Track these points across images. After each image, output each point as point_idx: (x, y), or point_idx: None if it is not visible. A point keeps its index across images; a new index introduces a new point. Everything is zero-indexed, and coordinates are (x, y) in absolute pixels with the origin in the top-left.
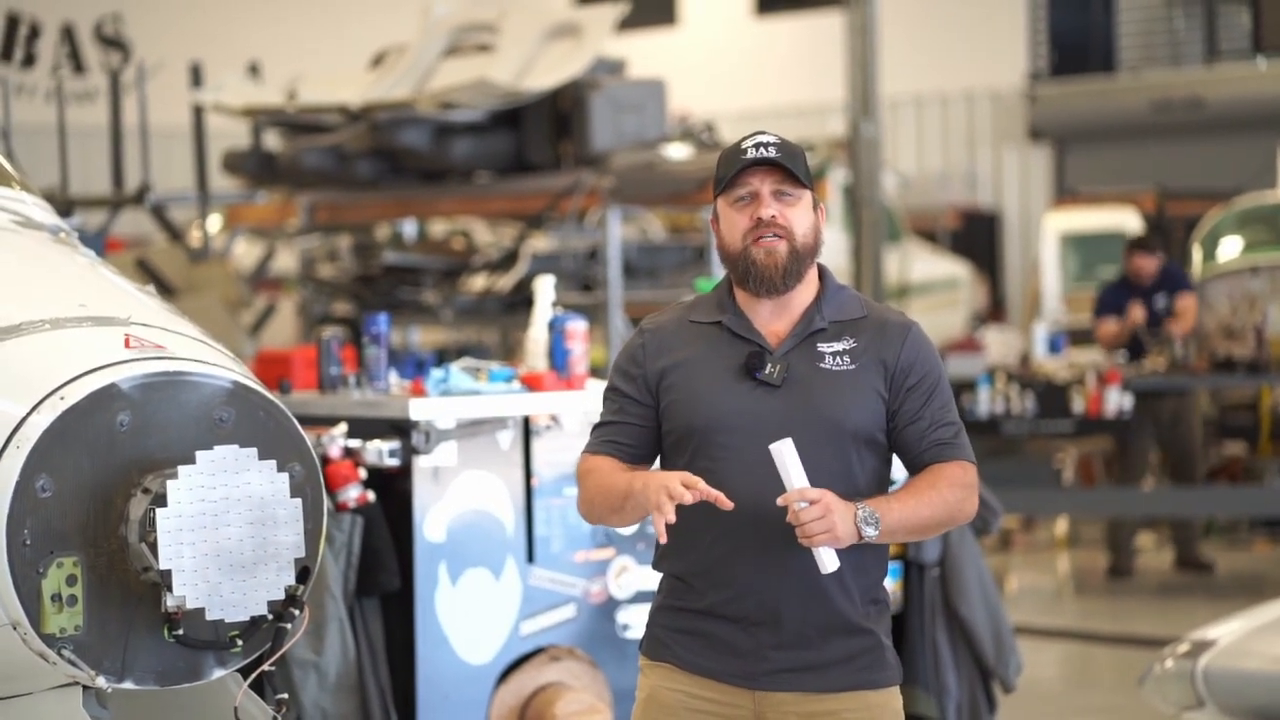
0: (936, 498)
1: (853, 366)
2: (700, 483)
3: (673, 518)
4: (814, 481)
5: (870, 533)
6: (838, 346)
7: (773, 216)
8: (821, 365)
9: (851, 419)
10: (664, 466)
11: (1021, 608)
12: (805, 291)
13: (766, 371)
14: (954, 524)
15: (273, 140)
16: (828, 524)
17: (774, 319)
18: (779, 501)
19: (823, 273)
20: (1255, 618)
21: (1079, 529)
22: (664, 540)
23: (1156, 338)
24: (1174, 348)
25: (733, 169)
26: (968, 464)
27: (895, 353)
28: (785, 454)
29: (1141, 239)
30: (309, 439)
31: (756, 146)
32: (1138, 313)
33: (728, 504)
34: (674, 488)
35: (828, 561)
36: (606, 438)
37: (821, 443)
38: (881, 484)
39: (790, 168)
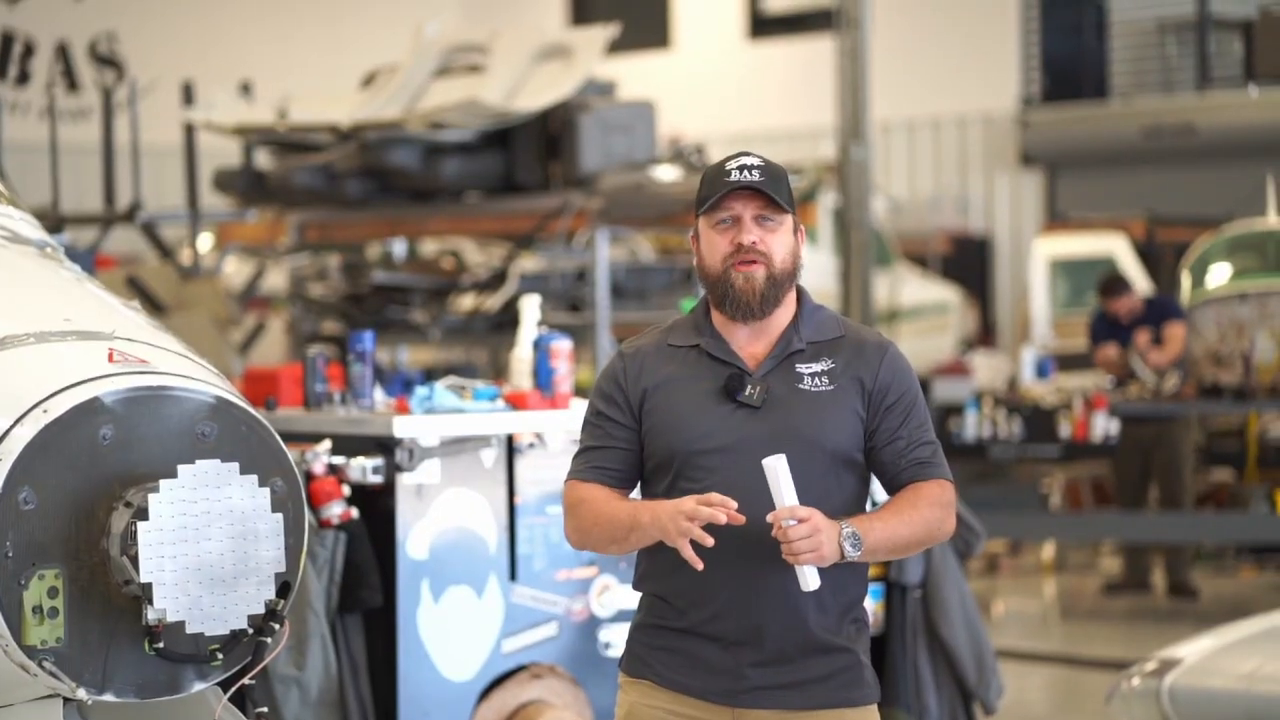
0: (917, 517)
1: (831, 387)
2: (714, 499)
3: (710, 540)
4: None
5: (852, 553)
6: (816, 367)
7: (753, 242)
8: (800, 386)
9: (831, 439)
10: (644, 490)
11: (1008, 632)
12: (783, 313)
13: (746, 393)
14: (933, 542)
15: (263, 159)
16: (815, 543)
17: (752, 341)
18: (769, 518)
19: (800, 293)
20: (1222, 636)
21: (1065, 554)
22: (700, 567)
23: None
24: (1149, 376)
25: (716, 191)
26: (946, 482)
27: (873, 373)
28: (778, 470)
29: (1108, 283)
30: (292, 455)
31: (741, 169)
32: (1144, 339)
33: (739, 519)
34: (694, 510)
35: (810, 579)
36: (593, 463)
37: (801, 463)
38: (860, 503)
39: (773, 194)
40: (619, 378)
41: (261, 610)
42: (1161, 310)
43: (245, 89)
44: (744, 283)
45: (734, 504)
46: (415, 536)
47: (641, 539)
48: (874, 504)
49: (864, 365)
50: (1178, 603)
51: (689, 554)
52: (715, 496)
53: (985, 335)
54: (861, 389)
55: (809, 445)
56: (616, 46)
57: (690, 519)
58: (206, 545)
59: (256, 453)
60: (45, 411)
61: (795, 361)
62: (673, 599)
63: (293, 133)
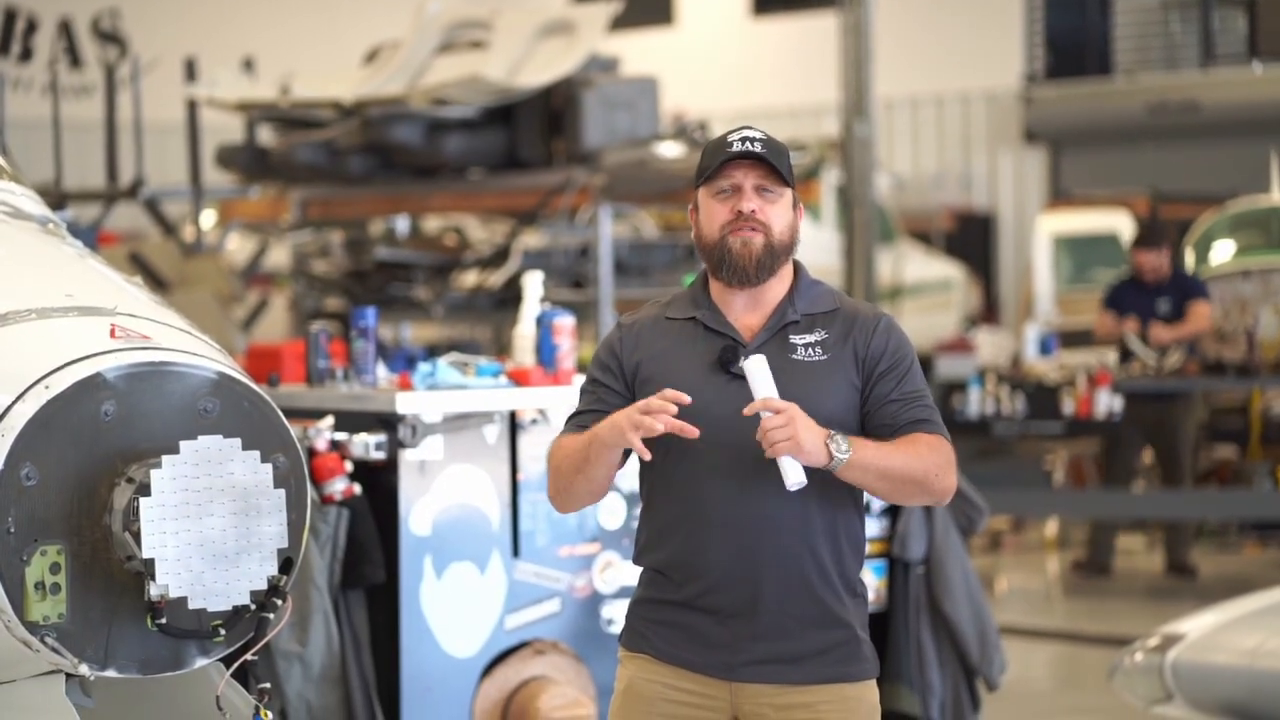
0: (912, 452)
1: (825, 357)
2: (668, 407)
3: (659, 429)
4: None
5: (839, 455)
6: (810, 338)
7: (753, 211)
8: (794, 357)
9: (824, 408)
10: (644, 462)
11: (1011, 608)
12: (779, 286)
13: (740, 364)
14: (927, 490)
15: (266, 135)
16: (790, 432)
17: (747, 313)
18: (745, 411)
19: (797, 267)
20: (1225, 612)
21: (1069, 530)
22: (647, 457)
23: (1147, 347)
24: (1147, 354)
25: (717, 160)
26: (943, 439)
27: (866, 341)
28: (756, 369)
29: (1142, 234)
30: (295, 431)
31: (743, 140)
32: (1132, 324)
33: (693, 431)
34: (636, 417)
35: (791, 474)
36: (581, 424)
37: None
38: None
39: (775, 164)
40: (615, 348)
41: (264, 586)
42: (1187, 284)
43: (248, 65)
44: (741, 247)
45: (687, 399)
46: (418, 513)
47: (600, 451)
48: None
49: (858, 335)
50: (1179, 580)
51: (638, 446)
52: (668, 392)
53: (988, 312)
54: (855, 358)
55: None
56: (619, 23)
57: (644, 412)
58: (209, 521)
59: (259, 429)
60: (47, 387)
61: (790, 333)
62: (670, 572)
63: (295, 109)
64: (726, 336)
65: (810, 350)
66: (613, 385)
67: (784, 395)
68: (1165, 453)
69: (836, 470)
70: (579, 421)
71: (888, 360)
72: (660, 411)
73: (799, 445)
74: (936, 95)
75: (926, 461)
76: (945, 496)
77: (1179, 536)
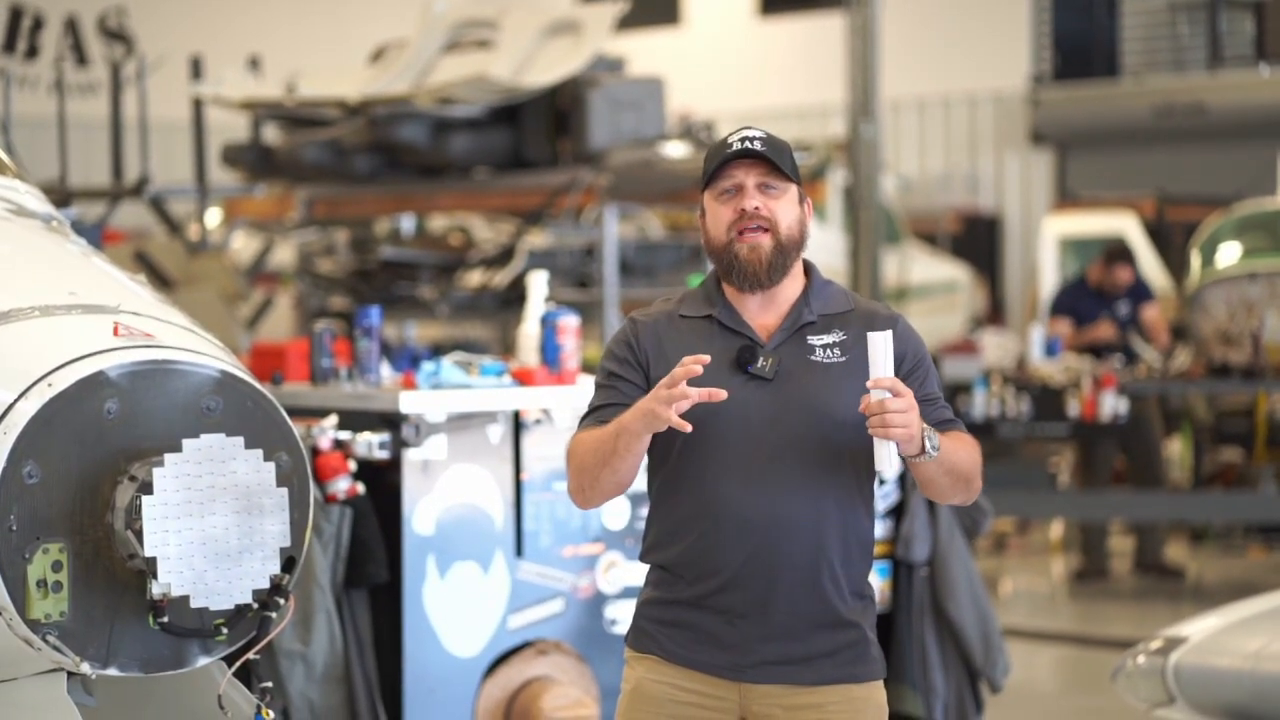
0: (965, 451)
1: (844, 359)
2: (693, 370)
3: (692, 396)
4: (805, 473)
5: (931, 450)
6: (827, 339)
7: (756, 208)
8: (812, 358)
9: (843, 411)
10: (654, 459)
11: (1015, 610)
12: (792, 285)
13: (759, 365)
14: (970, 490)
15: (272, 134)
16: (908, 419)
17: (763, 312)
18: (868, 384)
19: (808, 267)
20: (1227, 615)
21: (1074, 532)
22: (688, 429)
23: (1128, 348)
24: (1153, 353)
25: (718, 162)
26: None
27: None
28: (881, 344)
29: (1122, 250)
30: (298, 430)
31: (742, 140)
32: (1106, 329)
33: (721, 394)
34: (665, 393)
35: (892, 459)
36: (601, 419)
37: (813, 434)
38: (869, 476)
39: (775, 160)
40: (629, 339)
41: (266, 585)
42: (1141, 290)
43: (254, 64)
44: (749, 253)
45: (707, 358)
46: (421, 512)
47: (629, 441)
48: (882, 481)
49: None
50: (1161, 581)
51: (676, 421)
52: (686, 359)
53: (994, 314)
54: None
55: (819, 417)
56: (626, 23)
57: (668, 387)
58: (211, 520)
59: (262, 427)
60: (50, 385)
61: (807, 334)
62: (681, 570)
63: (301, 108)
64: (743, 336)
65: (829, 351)
66: (630, 377)
67: (804, 397)
68: (1138, 454)
69: (919, 463)
70: (598, 416)
71: (909, 363)
72: (684, 379)
73: (911, 436)
74: (943, 96)
75: (975, 462)
76: (974, 498)
77: (1152, 536)
